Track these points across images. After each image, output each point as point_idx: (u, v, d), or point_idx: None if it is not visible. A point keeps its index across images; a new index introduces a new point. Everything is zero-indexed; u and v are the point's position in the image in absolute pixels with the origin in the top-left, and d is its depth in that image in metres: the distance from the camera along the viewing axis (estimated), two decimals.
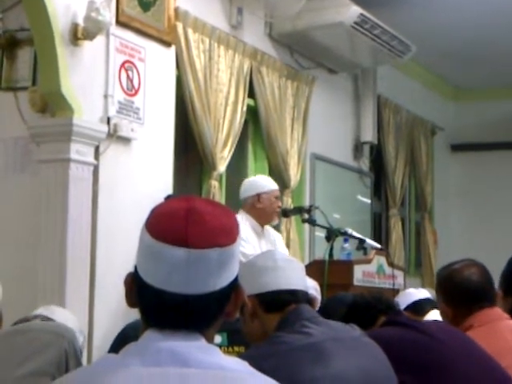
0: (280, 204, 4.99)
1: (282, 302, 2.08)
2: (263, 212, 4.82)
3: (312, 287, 3.37)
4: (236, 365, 1.37)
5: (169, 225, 1.36)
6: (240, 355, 1.93)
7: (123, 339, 2.87)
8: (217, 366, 1.33)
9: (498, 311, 2.83)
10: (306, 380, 1.85)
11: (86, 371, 1.41)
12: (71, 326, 2.78)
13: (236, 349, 2.94)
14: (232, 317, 1.43)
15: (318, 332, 1.99)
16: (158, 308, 1.37)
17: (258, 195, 4.83)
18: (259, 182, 4.95)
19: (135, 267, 1.41)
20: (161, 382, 1.30)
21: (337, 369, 1.92)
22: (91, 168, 4.43)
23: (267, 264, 2.13)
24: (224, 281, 1.38)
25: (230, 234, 1.38)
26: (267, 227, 4.95)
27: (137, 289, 1.40)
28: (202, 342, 1.37)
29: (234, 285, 1.41)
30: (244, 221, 4.72)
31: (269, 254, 2.27)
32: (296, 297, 2.10)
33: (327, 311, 2.63)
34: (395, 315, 2.46)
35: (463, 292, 2.77)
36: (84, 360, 4.21)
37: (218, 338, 2.96)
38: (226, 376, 1.33)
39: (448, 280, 2.83)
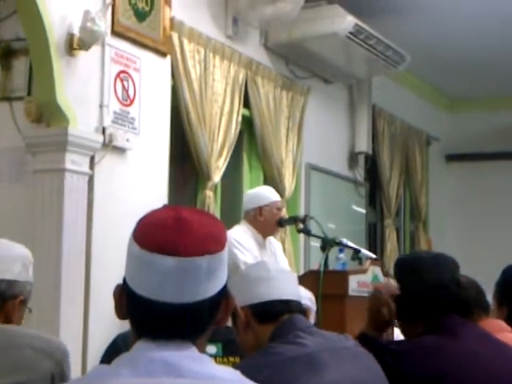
0: (283, 215, 5.00)
1: (276, 312, 2.08)
2: (265, 224, 4.85)
3: (307, 297, 3.36)
4: (228, 374, 1.37)
5: (158, 234, 1.37)
6: (234, 366, 1.93)
7: (114, 350, 2.87)
8: (209, 375, 1.34)
9: (498, 322, 2.84)
10: None
11: (78, 383, 1.41)
12: (19, 253, 2.42)
13: (231, 359, 2.93)
14: (223, 324, 1.44)
15: (311, 342, 1.99)
16: (149, 318, 1.38)
17: (260, 208, 4.84)
18: (261, 194, 4.96)
19: (124, 279, 1.42)
20: None
21: (331, 379, 1.91)
22: (86, 178, 4.43)
23: (260, 275, 2.13)
24: (214, 288, 1.39)
25: (218, 241, 1.40)
26: (269, 238, 4.96)
27: (127, 300, 1.40)
28: (194, 351, 1.37)
29: (224, 292, 1.42)
30: (246, 231, 4.74)
31: (262, 264, 2.27)
32: (289, 307, 2.10)
33: None
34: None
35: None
36: (79, 369, 4.23)
37: (212, 349, 2.96)
38: None
39: None
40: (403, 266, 2.51)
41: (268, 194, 4.98)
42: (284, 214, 5.05)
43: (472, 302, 2.48)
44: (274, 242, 5.05)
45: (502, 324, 2.85)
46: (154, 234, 1.37)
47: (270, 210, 4.86)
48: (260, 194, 4.97)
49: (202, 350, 1.40)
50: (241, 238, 4.67)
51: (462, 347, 2.30)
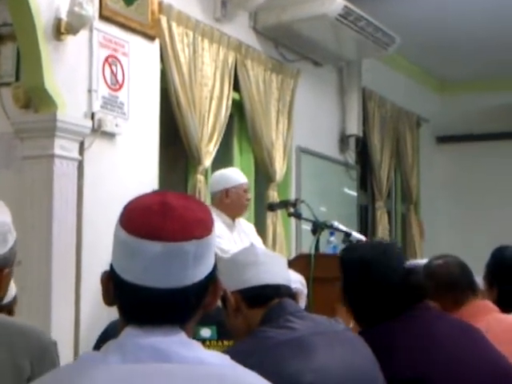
0: (249, 197, 4.93)
1: (265, 296, 2.08)
2: (232, 206, 4.78)
3: (297, 281, 3.37)
4: (217, 359, 1.37)
5: (144, 220, 1.36)
6: (224, 351, 1.93)
7: (106, 337, 2.86)
8: (198, 360, 1.34)
9: (486, 303, 2.87)
10: (291, 374, 1.85)
11: (66, 369, 1.41)
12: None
13: (225, 343, 2.94)
14: (210, 309, 1.44)
15: (301, 326, 2.00)
16: (137, 304, 1.37)
17: (226, 190, 4.79)
18: (227, 176, 4.88)
19: (111, 265, 1.41)
20: (142, 378, 1.30)
21: (321, 362, 1.92)
22: (76, 163, 4.41)
23: (249, 259, 2.13)
24: (202, 273, 1.39)
25: (205, 226, 1.39)
26: (238, 218, 4.92)
27: (114, 286, 1.40)
28: (182, 336, 1.37)
29: (212, 277, 1.42)
30: (215, 216, 4.69)
31: (250, 249, 2.27)
32: (279, 291, 2.10)
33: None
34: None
35: (447, 283, 2.80)
36: (71, 353, 4.23)
37: (207, 332, 2.96)
38: (207, 370, 1.33)
39: (431, 274, 2.87)
40: (351, 263, 2.49)
41: (234, 175, 4.92)
42: (249, 196, 4.97)
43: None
44: (244, 222, 5.00)
45: (489, 305, 2.87)
46: (141, 220, 1.37)
47: (236, 191, 4.80)
48: (226, 175, 4.89)
49: (190, 335, 1.40)
50: None
51: (426, 332, 2.32)
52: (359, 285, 2.42)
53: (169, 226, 1.35)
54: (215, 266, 1.43)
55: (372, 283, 2.37)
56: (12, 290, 3.20)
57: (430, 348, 2.26)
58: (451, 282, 2.82)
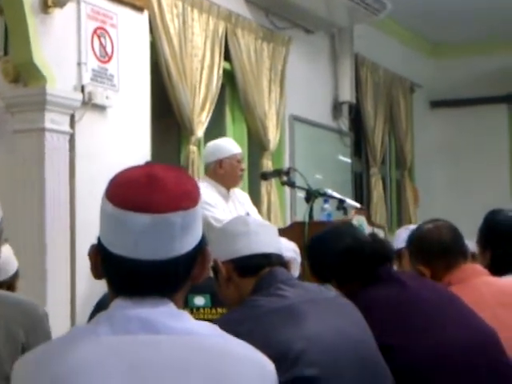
0: (243, 167, 4.92)
1: (256, 266, 2.09)
2: (226, 177, 4.77)
3: (291, 249, 3.37)
4: (206, 329, 1.38)
5: (131, 192, 1.37)
6: (216, 320, 1.94)
7: (99, 308, 2.87)
8: (187, 331, 1.35)
9: (475, 267, 2.87)
10: (282, 341, 1.86)
11: (57, 342, 1.42)
12: None
13: (219, 310, 2.95)
14: (199, 280, 1.44)
15: (293, 294, 2.00)
16: (125, 276, 1.38)
17: (220, 161, 4.78)
18: (220, 146, 4.85)
19: (98, 238, 1.42)
20: (131, 349, 1.32)
21: (313, 330, 1.93)
22: (67, 137, 4.40)
23: (239, 229, 2.14)
24: (189, 244, 1.39)
25: (191, 197, 1.40)
26: (233, 188, 4.92)
27: (102, 259, 1.41)
28: (171, 307, 1.38)
29: (200, 247, 1.42)
30: (209, 186, 4.68)
31: (240, 219, 2.28)
32: (270, 260, 2.11)
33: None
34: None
35: (438, 248, 2.80)
36: (67, 328, 4.24)
37: (201, 300, 2.98)
38: (196, 341, 1.34)
39: (422, 240, 2.87)
40: (312, 248, 2.60)
41: (228, 146, 4.89)
42: (243, 166, 4.96)
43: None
44: (239, 192, 5.00)
45: (477, 268, 2.87)
46: (127, 192, 1.37)
47: (230, 162, 4.79)
48: (220, 146, 4.87)
49: (180, 306, 1.40)
50: (204, 195, 4.56)
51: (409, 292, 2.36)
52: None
53: (155, 197, 1.36)
54: (203, 238, 1.44)
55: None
56: (13, 265, 3.21)
57: (407, 313, 2.31)
58: (442, 247, 2.81)
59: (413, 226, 4.10)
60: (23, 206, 4.24)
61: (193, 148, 5.39)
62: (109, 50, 4.76)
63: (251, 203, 5.08)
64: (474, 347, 2.30)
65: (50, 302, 4.19)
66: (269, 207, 6.14)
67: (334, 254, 2.44)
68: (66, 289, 4.34)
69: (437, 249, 2.81)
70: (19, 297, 2.42)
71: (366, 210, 5.65)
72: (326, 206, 4.84)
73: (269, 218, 5.96)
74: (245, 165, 5.12)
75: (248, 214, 4.63)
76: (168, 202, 1.36)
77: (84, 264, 4.74)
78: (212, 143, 4.97)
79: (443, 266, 2.78)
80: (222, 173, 4.77)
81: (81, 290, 4.42)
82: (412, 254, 2.92)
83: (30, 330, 2.21)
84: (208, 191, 4.59)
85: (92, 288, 4.31)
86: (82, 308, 4.35)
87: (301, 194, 5.82)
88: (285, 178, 5.10)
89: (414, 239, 2.94)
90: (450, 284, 2.71)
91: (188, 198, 1.39)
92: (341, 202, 4.82)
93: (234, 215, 4.18)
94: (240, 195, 4.98)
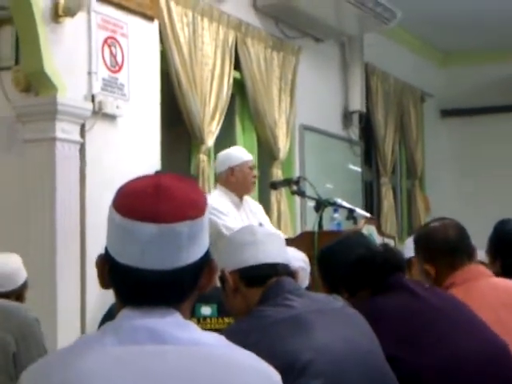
0: (255, 174, 4.93)
1: (263, 276, 2.08)
2: (238, 185, 4.77)
3: (300, 259, 3.37)
4: (213, 340, 1.38)
5: (138, 202, 1.37)
6: (223, 331, 1.94)
7: (109, 318, 2.88)
8: (193, 341, 1.35)
9: (479, 268, 2.83)
10: (289, 352, 1.86)
11: (63, 352, 1.42)
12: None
13: (226, 320, 2.95)
14: (205, 290, 1.44)
15: (300, 304, 2.00)
16: (132, 286, 1.38)
17: (231, 168, 4.78)
18: (231, 154, 4.87)
19: (106, 248, 1.42)
20: (138, 359, 1.31)
21: (320, 340, 1.92)
22: (77, 146, 4.41)
23: (246, 239, 2.13)
24: (196, 254, 1.39)
25: (198, 207, 1.40)
26: (246, 198, 4.92)
27: (109, 269, 1.42)
28: (178, 317, 1.38)
29: (207, 257, 1.42)
30: (222, 195, 4.69)
31: (247, 228, 2.27)
32: (277, 270, 2.10)
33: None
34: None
35: (444, 247, 2.77)
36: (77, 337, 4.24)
37: (208, 310, 2.98)
38: (203, 351, 1.34)
39: (428, 238, 2.84)
40: (323, 259, 2.60)
41: (238, 153, 4.90)
42: (255, 173, 4.97)
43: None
44: (251, 202, 5.00)
45: (482, 269, 2.83)
46: (134, 202, 1.37)
47: (241, 169, 4.79)
48: (230, 154, 4.88)
49: (186, 316, 1.40)
50: (216, 203, 4.57)
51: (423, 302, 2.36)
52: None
53: (162, 207, 1.36)
54: (210, 248, 1.43)
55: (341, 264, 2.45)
56: (22, 275, 3.21)
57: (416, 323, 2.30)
58: (448, 246, 2.76)
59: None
60: (34, 215, 4.25)
61: (203, 157, 5.40)
62: (119, 59, 4.77)
63: (264, 213, 5.09)
64: (486, 359, 2.29)
65: (61, 311, 4.20)
66: (279, 216, 6.14)
67: (345, 265, 2.44)
68: (76, 298, 4.34)
69: (442, 247, 2.76)
70: (9, 303, 2.38)
71: (376, 219, 5.63)
72: (336, 215, 4.83)
73: (279, 228, 5.95)
74: (256, 171, 5.13)
75: (261, 224, 4.63)
76: (175, 211, 1.36)
77: (94, 273, 4.75)
78: (223, 152, 4.98)
79: (448, 264, 2.74)
80: (234, 180, 4.78)
81: (91, 299, 4.42)
82: (418, 252, 2.89)
83: (21, 337, 2.19)
84: (220, 199, 4.60)
85: (102, 297, 4.32)
86: (92, 317, 4.36)
87: (311, 204, 5.82)
88: (295, 188, 5.09)
89: (421, 237, 2.90)
90: (453, 284, 2.69)
91: (195, 208, 1.39)
92: (351, 211, 4.81)
93: (246, 224, 4.18)
94: (253, 205, 4.99)
